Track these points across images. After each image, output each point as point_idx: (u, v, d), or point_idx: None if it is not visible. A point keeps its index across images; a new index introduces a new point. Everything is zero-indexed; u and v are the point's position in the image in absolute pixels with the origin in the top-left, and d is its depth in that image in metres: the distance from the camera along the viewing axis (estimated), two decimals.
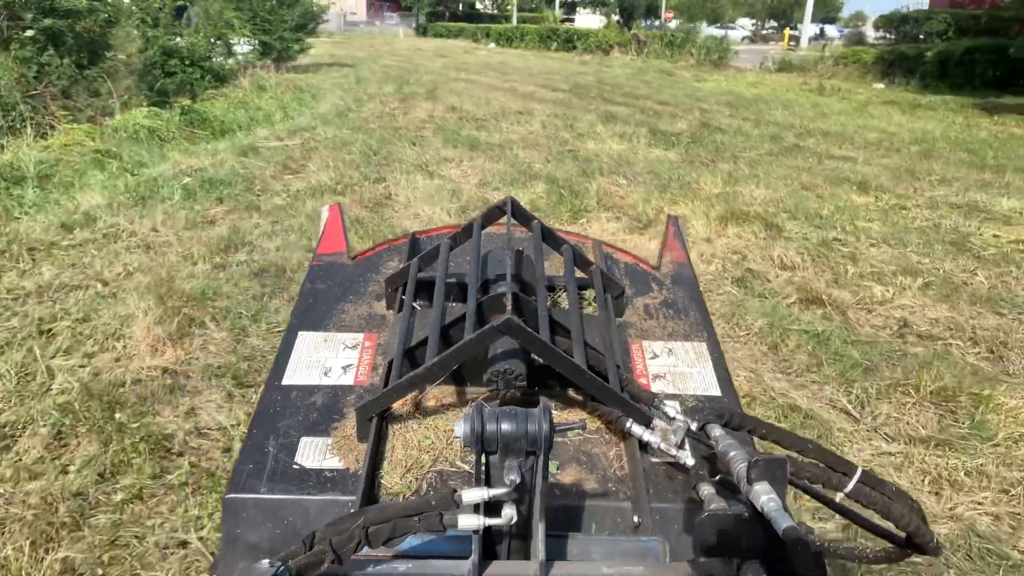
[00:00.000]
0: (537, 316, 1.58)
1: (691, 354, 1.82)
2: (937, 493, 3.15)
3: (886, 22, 33.76)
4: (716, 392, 1.70)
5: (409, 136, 11.52)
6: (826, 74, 23.40)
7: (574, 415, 1.62)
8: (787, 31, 43.28)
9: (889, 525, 1.16)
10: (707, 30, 36.34)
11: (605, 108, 15.33)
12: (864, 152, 11.01)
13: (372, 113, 13.98)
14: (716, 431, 1.23)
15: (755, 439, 1.41)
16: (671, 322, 1.94)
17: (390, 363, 1.62)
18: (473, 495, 1.08)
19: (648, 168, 9.57)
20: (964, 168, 9.91)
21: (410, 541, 1.22)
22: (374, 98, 16.12)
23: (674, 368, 1.77)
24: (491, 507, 1.10)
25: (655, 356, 1.81)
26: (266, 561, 0.98)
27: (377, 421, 1.51)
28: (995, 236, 6.63)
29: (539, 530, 1.11)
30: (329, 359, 1.76)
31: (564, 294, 1.93)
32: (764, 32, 59.23)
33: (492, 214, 1.92)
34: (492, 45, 39.78)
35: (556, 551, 1.26)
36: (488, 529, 1.12)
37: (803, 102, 16.94)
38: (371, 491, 1.40)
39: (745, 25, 60.93)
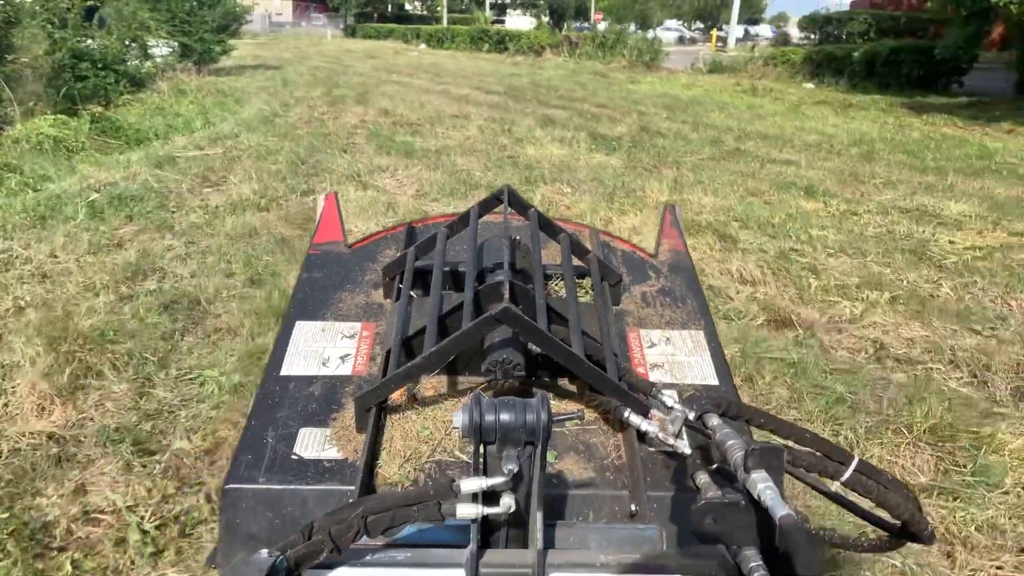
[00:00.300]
0: (535, 305, 1.57)
1: (689, 343, 1.80)
2: (949, 555, 2.78)
3: (810, 23, 34.38)
4: (714, 381, 1.68)
5: (340, 143, 10.88)
6: (756, 75, 23.52)
7: (572, 404, 1.61)
8: (715, 32, 43.77)
9: (884, 515, 1.17)
10: (660, 32, 36.44)
11: (542, 111, 14.92)
12: (805, 155, 10.84)
13: (300, 118, 13.26)
14: (713, 420, 1.23)
15: (752, 428, 1.40)
16: (668, 310, 1.93)
17: (388, 353, 1.61)
18: (471, 484, 1.08)
19: (592, 175, 9.17)
20: (906, 171, 9.80)
21: (409, 530, 1.20)
22: (302, 102, 15.36)
23: (672, 357, 1.76)
24: (489, 496, 1.10)
25: (653, 345, 1.80)
26: (265, 551, 0.98)
27: (375, 411, 1.50)
28: (951, 243, 6.42)
29: (537, 519, 1.11)
30: (327, 349, 1.74)
31: (561, 282, 1.90)
32: (691, 34, 59.94)
33: (489, 202, 1.90)
34: (423, 46, 39.08)
35: (554, 540, 1.28)
36: (486, 518, 1.12)
37: (738, 104, 16.86)
38: (370, 481, 1.41)
39: (678, 27, 61.58)
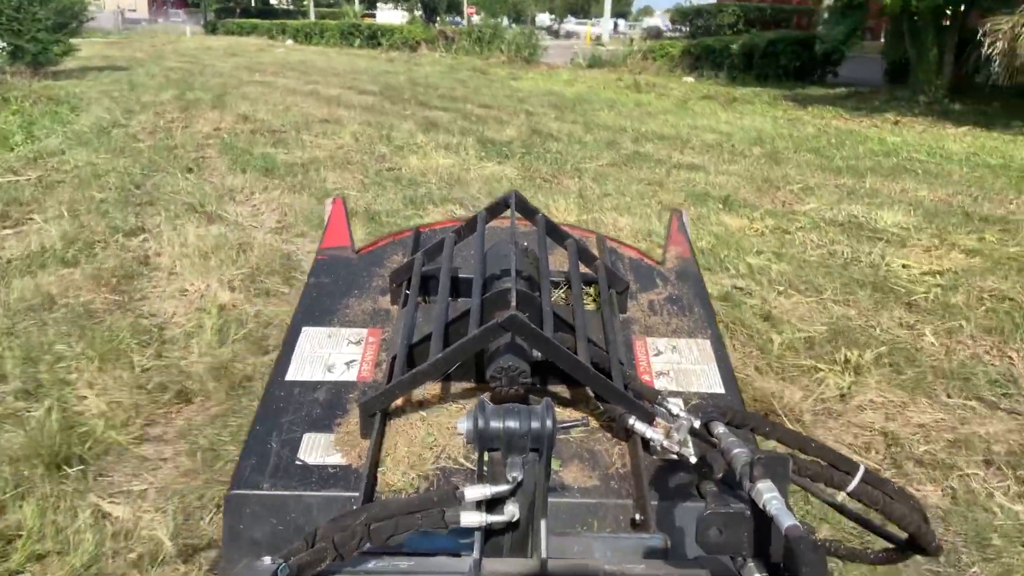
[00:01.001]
0: (541, 312, 1.56)
1: (695, 351, 1.78)
2: None
3: (680, 15, 34.35)
4: (720, 389, 1.67)
5: (187, 158, 9.11)
6: (636, 69, 22.87)
7: (577, 412, 1.60)
8: (589, 26, 43.34)
9: (891, 526, 1.16)
10: (571, 25, 35.26)
11: (423, 114, 13.47)
12: (709, 157, 9.96)
13: (143, 127, 11.29)
14: (719, 428, 1.21)
15: (758, 437, 1.36)
16: (675, 318, 1.90)
17: (393, 359, 1.60)
18: (475, 492, 1.05)
19: (487, 189, 7.89)
20: (818, 172, 9.03)
21: (413, 538, 1.16)
22: (149, 108, 13.29)
23: (678, 365, 1.74)
24: (493, 504, 1.08)
25: (659, 353, 1.78)
26: (267, 558, 0.96)
27: (380, 417, 1.49)
28: (904, 267, 5.53)
29: (541, 527, 1.10)
30: (333, 355, 1.72)
31: (568, 290, 1.88)
32: (564, 27, 59.60)
33: (496, 207, 1.89)
34: (290, 42, 36.54)
35: (558, 548, 1.22)
36: (490, 526, 1.09)
37: (625, 101, 15.97)
38: (373, 488, 1.39)
39: (552, 20, 61.02)
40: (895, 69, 18.64)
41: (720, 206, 7.37)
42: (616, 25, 57.13)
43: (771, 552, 0.97)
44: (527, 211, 1.89)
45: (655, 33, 41.23)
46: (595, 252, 2.01)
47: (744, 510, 0.99)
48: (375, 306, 1.91)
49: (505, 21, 38.34)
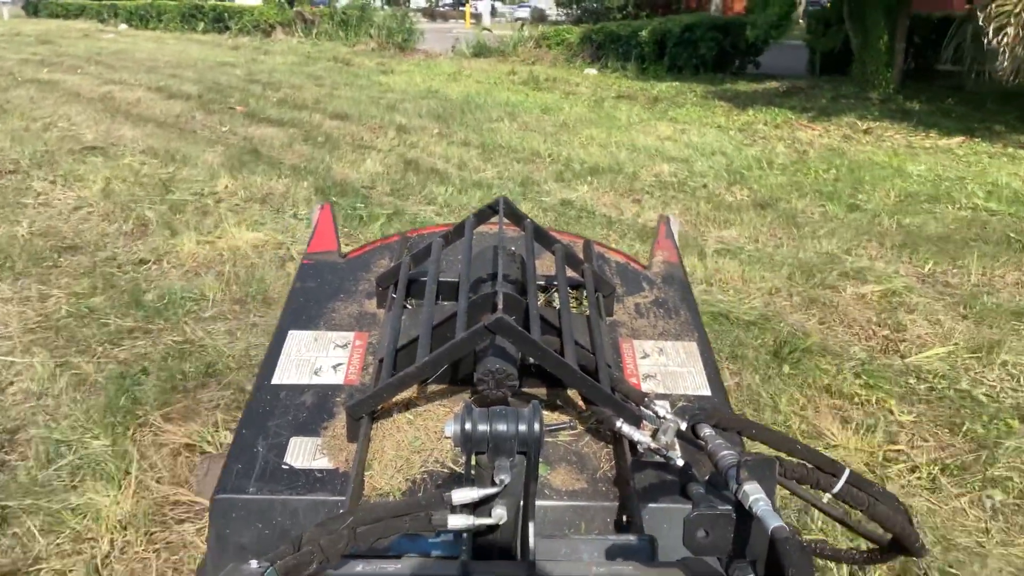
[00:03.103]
0: (528, 315, 1.54)
1: (681, 354, 1.77)
2: None
3: None
4: (706, 391, 1.65)
5: None
6: (529, 58, 18.96)
7: (564, 415, 1.57)
8: (468, 7, 39.02)
9: (875, 527, 1.17)
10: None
11: (246, 131, 9.06)
12: (680, 211, 6.19)
13: None
14: (706, 430, 1.19)
15: (744, 439, 1.35)
16: (662, 321, 1.88)
17: (380, 362, 1.58)
18: (463, 495, 1.03)
19: None
20: (857, 235, 5.41)
21: (400, 541, 1.18)
22: None
23: (664, 368, 1.72)
24: (481, 507, 1.04)
25: (646, 355, 1.76)
26: (254, 562, 0.93)
27: (367, 421, 1.46)
28: None
29: (529, 530, 1.09)
30: (319, 358, 1.69)
31: (555, 293, 1.87)
32: (441, 8, 54.69)
33: (484, 213, 1.85)
34: (124, 26, 30.35)
35: (546, 551, 1.21)
36: (478, 529, 1.06)
37: (527, 105, 11.95)
38: (360, 491, 1.37)
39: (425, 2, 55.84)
40: (826, 59, 15.60)
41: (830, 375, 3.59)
42: (494, 8, 52.90)
43: (757, 553, 0.94)
44: (515, 216, 1.86)
45: (539, 16, 37.43)
46: (582, 257, 2.00)
47: (730, 512, 0.97)
48: (361, 310, 1.86)
49: (377, 1, 33.38)
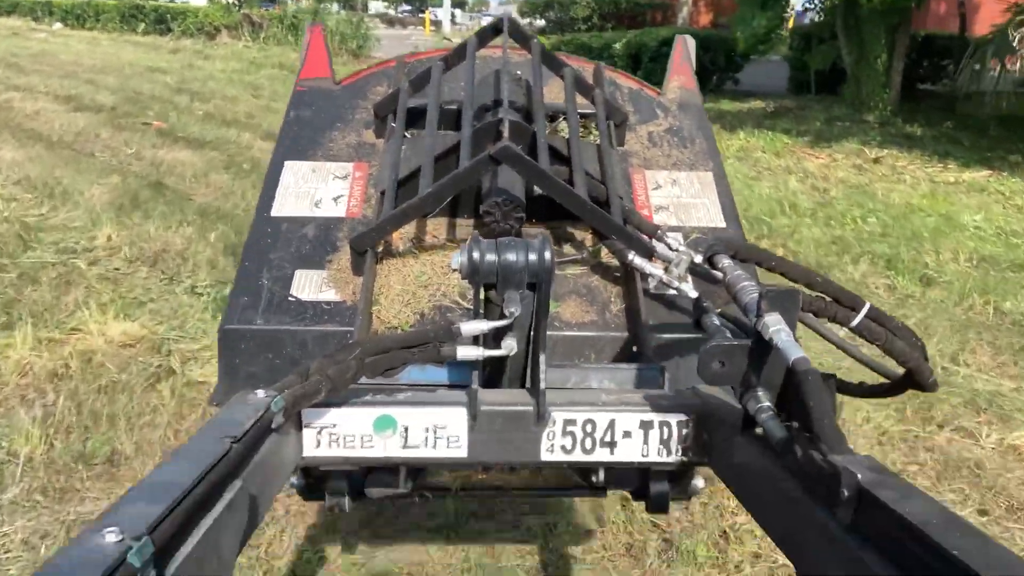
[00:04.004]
0: (536, 144, 1.47)
1: (696, 184, 1.69)
2: None
3: (532, 8, 29.33)
4: (721, 223, 1.60)
5: None
6: None
7: (575, 248, 1.54)
8: (427, 15, 37.32)
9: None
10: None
11: (154, 155, 7.33)
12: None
13: None
14: (724, 261, 1.16)
15: (762, 271, 1.31)
16: (676, 151, 1.79)
17: (382, 194, 1.53)
18: (472, 327, 1.02)
19: None
20: (953, 329, 3.97)
21: (411, 373, 1.15)
22: None
23: (678, 199, 1.65)
24: (491, 339, 1.05)
25: (658, 187, 1.69)
26: (261, 391, 0.93)
27: (372, 255, 1.43)
28: None
29: (540, 360, 1.06)
30: (319, 190, 1.63)
31: (564, 121, 1.74)
32: (400, 15, 52.79)
33: (487, 34, 1.74)
34: (58, 26, 27.95)
35: (556, 380, 1.22)
36: (488, 360, 1.07)
37: None
38: (369, 324, 1.35)
39: (386, 8, 53.89)
40: (817, 76, 14.37)
41: None
42: (454, 16, 51.26)
43: (773, 385, 0.92)
44: (522, 37, 1.74)
45: None
46: (593, 82, 1.88)
47: (747, 343, 0.94)
48: (360, 139, 1.77)
49: (335, 7, 31.43)
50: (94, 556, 0.64)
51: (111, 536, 0.66)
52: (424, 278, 1.43)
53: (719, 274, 1.14)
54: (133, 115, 9.46)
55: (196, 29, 23.70)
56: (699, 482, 1.54)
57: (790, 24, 17.27)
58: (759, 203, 6.54)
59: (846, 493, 0.78)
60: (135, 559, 0.65)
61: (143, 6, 26.36)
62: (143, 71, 14.35)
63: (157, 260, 4.63)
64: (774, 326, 0.90)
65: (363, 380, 1.01)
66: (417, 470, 1.51)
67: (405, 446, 1.08)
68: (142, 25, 25.57)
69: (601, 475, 1.57)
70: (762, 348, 0.92)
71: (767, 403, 0.92)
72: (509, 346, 1.04)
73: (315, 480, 1.50)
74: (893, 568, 0.73)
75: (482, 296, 1.05)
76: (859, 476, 0.77)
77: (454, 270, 1.03)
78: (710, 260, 1.20)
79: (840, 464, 0.79)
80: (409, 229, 1.52)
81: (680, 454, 1.11)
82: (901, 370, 1.17)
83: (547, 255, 0.99)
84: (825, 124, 11.42)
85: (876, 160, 9.17)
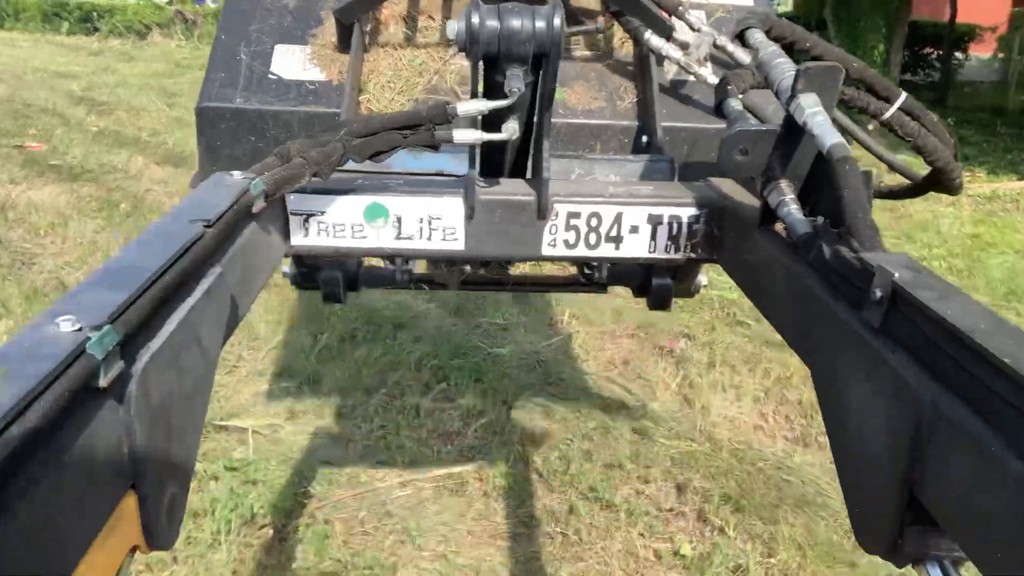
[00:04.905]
0: None
1: None
2: None
3: None
4: (748, 1, 1.44)
5: None
6: None
7: (586, 23, 1.38)
8: None
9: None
10: None
11: (6, 194, 5.60)
12: None
13: None
14: (757, 36, 1.06)
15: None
16: None
17: None
18: (469, 107, 0.92)
19: None
20: None
21: (404, 160, 1.09)
22: None
23: None
24: (490, 122, 0.95)
25: None
26: (238, 172, 0.86)
27: (359, 32, 1.32)
28: None
29: (544, 147, 1.00)
30: None
31: None
32: None
33: None
34: None
35: (560, 171, 1.15)
36: (488, 147, 1.00)
37: None
38: (357, 106, 1.27)
39: None
40: None
41: None
42: None
43: (799, 174, 0.86)
44: None
45: None
46: None
47: (776, 128, 0.88)
48: None
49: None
50: (46, 349, 0.51)
51: (66, 325, 0.54)
52: (418, 63, 1.31)
53: (748, 54, 1.06)
54: (10, 134, 7.70)
55: (125, 28, 21.58)
56: (703, 279, 1.50)
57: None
58: None
59: (879, 293, 0.70)
60: (96, 350, 0.55)
61: (67, 3, 24.06)
62: (48, 76, 12.45)
63: None
64: (810, 108, 0.82)
65: (354, 166, 0.95)
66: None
67: (398, 237, 1.03)
68: (66, 25, 23.29)
69: (604, 271, 1.50)
70: (792, 134, 0.86)
71: (791, 195, 0.87)
72: (510, 129, 0.95)
73: (308, 270, 1.47)
74: (927, 375, 0.65)
75: (481, 72, 0.93)
76: (895, 275, 0.69)
77: (450, 41, 0.91)
78: (741, 36, 1.10)
79: (873, 261, 0.72)
80: (401, 6, 1.37)
81: (689, 251, 1.07)
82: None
83: (556, 22, 0.88)
84: None
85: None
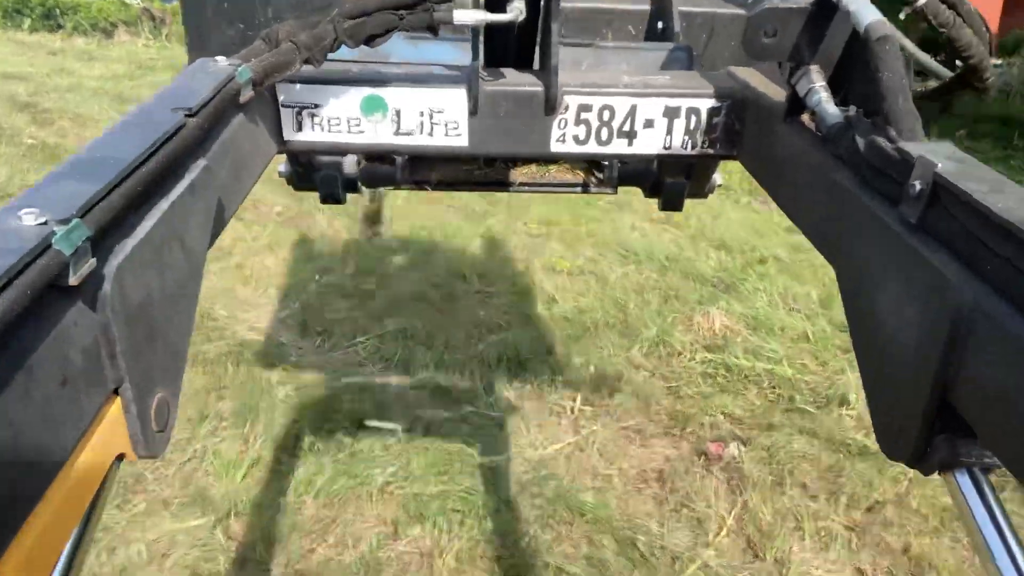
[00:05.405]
0: None
1: None
2: None
3: None
4: None
5: None
6: None
7: None
8: None
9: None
10: None
11: None
12: None
13: None
14: None
15: None
16: None
17: None
18: None
19: None
20: None
21: (402, 47, 1.00)
22: None
23: None
24: (494, 2, 0.86)
25: None
26: (222, 58, 0.80)
27: None
28: None
29: (552, 31, 0.90)
30: None
31: None
32: None
33: None
34: None
35: (569, 60, 1.04)
36: (492, 33, 0.90)
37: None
38: None
39: None
40: None
41: None
42: None
43: (830, 57, 0.80)
44: None
45: None
46: None
47: (806, 5, 0.84)
48: None
49: None
50: (7, 244, 0.48)
51: (29, 219, 0.51)
52: None
53: None
54: None
55: (90, 26, 20.39)
56: (717, 178, 1.44)
57: None
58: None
59: (918, 186, 0.65)
60: (63, 244, 0.51)
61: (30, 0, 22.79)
62: None
63: None
64: None
65: (349, 56, 0.88)
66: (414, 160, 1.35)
67: (397, 132, 0.97)
68: (28, 21, 22.01)
69: (615, 170, 1.42)
70: (824, 13, 0.82)
71: (821, 83, 0.80)
72: (516, 9, 0.85)
73: (304, 168, 1.41)
74: (972, 276, 0.60)
75: None
76: (938, 165, 0.64)
77: None
78: None
79: (914, 151, 0.67)
80: None
81: (707, 146, 1.00)
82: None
83: None
84: None
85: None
